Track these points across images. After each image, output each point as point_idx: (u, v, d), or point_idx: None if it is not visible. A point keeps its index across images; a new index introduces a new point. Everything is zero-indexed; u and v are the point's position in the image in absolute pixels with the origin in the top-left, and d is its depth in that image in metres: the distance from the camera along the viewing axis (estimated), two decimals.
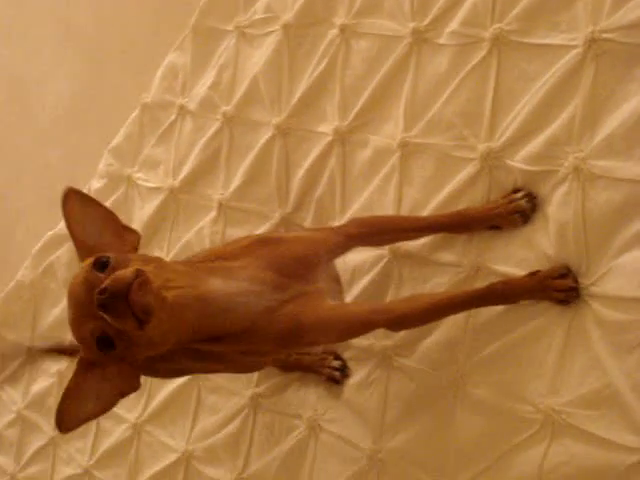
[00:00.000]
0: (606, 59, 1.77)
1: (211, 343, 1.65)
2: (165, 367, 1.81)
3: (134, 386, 1.58)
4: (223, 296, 1.58)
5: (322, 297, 1.76)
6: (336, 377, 2.22)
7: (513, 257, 1.88)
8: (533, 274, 1.79)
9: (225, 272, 1.63)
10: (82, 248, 1.61)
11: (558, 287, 1.76)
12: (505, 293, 1.81)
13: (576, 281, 1.75)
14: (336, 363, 2.22)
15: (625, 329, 1.67)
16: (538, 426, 1.76)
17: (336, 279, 1.99)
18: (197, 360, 1.75)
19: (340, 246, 1.89)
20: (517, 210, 1.85)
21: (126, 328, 1.39)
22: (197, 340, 1.64)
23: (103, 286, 1.36)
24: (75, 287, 1.49)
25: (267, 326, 1.66)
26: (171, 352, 1.59)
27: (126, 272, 1.39)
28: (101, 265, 1.45)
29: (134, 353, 1.50)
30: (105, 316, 1.37)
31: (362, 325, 1.83)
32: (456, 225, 1.93)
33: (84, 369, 1.54)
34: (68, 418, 1.55)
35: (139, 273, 1.38)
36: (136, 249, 1.63)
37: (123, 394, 1.57)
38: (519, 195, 1.86)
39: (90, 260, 1.49)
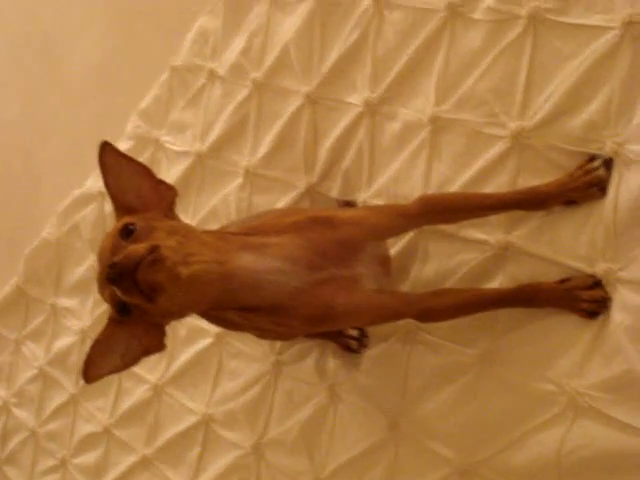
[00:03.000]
0: None
1: (241, 312, 1.68)
2: (214, 315, 1.81)
3: (159, 347, 1.61)
4: (250, 273, 1.57)
5: (358, 283, 1.75)
6: (353, 346, 2.23)
7: (543, 237, 1.87)
8: (563, 281, 1.78)
9: (258, 248, 1.62)
10: (118, 204, 1.62)
11: (588, 298, 1.74)
12: (533, 297, 1.82)
13: (606, 292, 1.73)
14: (354, 332, 2.23)
15: None
16: (561, 407, 1.77)
17: (383, 260, 1.94)
18: (240, 317, 1.74)
19: (396, 228, 1.88)
20: (595, 182, 1.76)
21: (135, 302, 1.43)
22: (224, 309, 1.67)
23: (114, 260, 1.38)
24: (102, 251, 1.52)
25: (295, 306, 1.66)
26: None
27: (139, 248, 1.40)
28: (127, 232, 1.47)
29: (149, 320, 1.52)
30: (114, 289, 1.40)
31: (392, 314, 1.86)
32: (529, 202, 1.83)
33: (113, 325, 1.58)
34: (93, 369, 1.59)
35: (153, 249, 1.40)
36: (172, 205, 1.63)
37: (148, 352, 1.61)
38: (596, 164, 1.77)
39: (119, 225, 1.50)
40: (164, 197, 1.62)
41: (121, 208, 1.60)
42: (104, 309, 2.97)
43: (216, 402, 2.61)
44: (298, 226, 1.70)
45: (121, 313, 1.48)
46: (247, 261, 1.58)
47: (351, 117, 2.28)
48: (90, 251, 3.14)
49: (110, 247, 1.48)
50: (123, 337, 1.57)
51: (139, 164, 1.63)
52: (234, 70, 2.64)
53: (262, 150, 2.53)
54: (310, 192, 2.39)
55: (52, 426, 3.26)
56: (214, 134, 2.69)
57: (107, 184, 1.62)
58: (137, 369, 2.86)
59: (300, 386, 2.37)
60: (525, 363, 1.85)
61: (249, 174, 2.55)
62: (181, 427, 2.71)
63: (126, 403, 2.94)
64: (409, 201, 1.86)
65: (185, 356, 2.72)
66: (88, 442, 3.09)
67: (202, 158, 2.71)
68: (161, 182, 1.64)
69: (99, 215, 3.12)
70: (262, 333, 2.02)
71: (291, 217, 1.74)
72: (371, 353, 2.19)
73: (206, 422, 2.62)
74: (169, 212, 1.61)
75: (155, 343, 1.60)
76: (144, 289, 1.38)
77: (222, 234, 1.68)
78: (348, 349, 2.25)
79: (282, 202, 2.43)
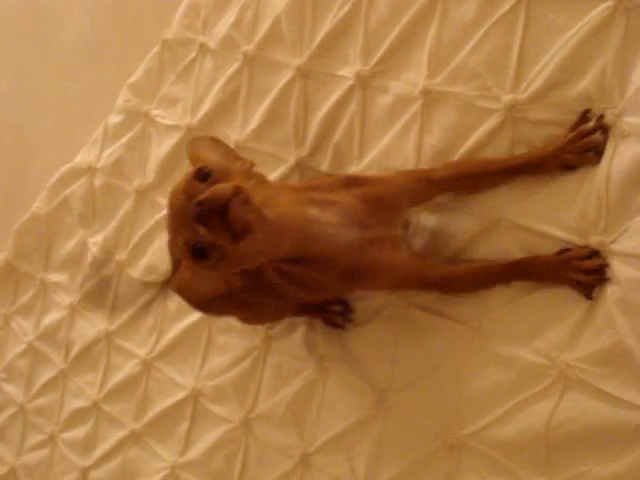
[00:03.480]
0: (637, 13, 1.73)
1: (289, 263, 1.70)
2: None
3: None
4: (317, 224, 1.62)
5: (398, 244, 1.83)
6: (338, 321, 2.24)
7: (534, 210, 1.86)
8: (561, 252, 1.78)
9: (321, 202, 1.66)
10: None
11: (586, 268, 1.73)
12: (531, 269, 1.82)
13: (604, 262, 1.72)
14: (338, 307, 2.23)
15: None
16: (551, 380, 1.76)
17: (406, 227, 1.98)
18: (251, 290, 1.77)
19: (420, 193, 1.92)
20: (591, 146, 1.75)
21: (219, 242, 1.42)
22: (281, 259, 1.69)
23: (201, 198, 1.38)
24: (175, 195, 1.51)
25: (343, 259, 1.71)
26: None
27: (226, 186, 1.41)
28: (203, 176, 1.48)
29: (225, 266, 1.52)
30: (200, 228, 1.39)
31: (420, 280, 1.91)
32: (528, 167, 1.84)
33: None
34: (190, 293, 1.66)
35: (238, 190, 1.40)
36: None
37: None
38: (591, 125, 1.76)
39: (193, 169, 1.50)
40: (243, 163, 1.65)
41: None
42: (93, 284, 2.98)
43: (205, 377, 2.60)
44: (343, 185, 1.76)
45: (197, 258, 1.47)
46: (314, 213, 1.63)
47: (342, 90, 2.27)
48: (80, 226, 3.12)
49: (185, 190, 1.48)
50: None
51: (226, 145, 1.72)
52: (225, 43, 2.63)
53: (252, 124, 2.51)
54: (300, 166, 2.38)
55: (41, 401, 3.25)
56: (205, 108, 2.68)
57: (191, 156, 1.69)
58: (126, 343, 2.87)
59: (289, 360, 2.36)
60: (515, 336, 1.85)
61: (239, 148, 2.52)
62: (170, 402, 2.70)
63: (115, 378, 2.93)
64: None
65: (174, 331, 2.72)
66: (77, 417, 3.08)
67: (192, 132, 2.70)
68: (244, 159, 1.66)
69: (89, 189, 3.10)
70: (256, 314, 2.13)
71: (330, 178, 1.85)
72: (361, 327, 2.18)
73: (195, 397, 2.62)
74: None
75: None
76: (235, 227, 1.39)
77: (290, 185, 1.74)
78: (333, 324, 2.25)
79: (272, 176, 2.40)
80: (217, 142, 1.70)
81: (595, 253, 1.74)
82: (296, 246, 1.62)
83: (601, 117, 1.76)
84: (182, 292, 1.66)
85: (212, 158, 1.64)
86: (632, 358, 1.63)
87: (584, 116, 1.78)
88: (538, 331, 1.81)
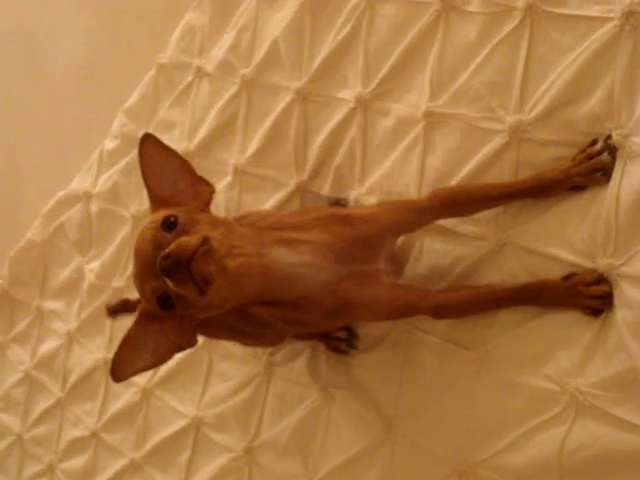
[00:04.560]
0: None
1: (263, 306, 1.69)
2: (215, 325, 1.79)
3: (191, 342, 1.62)
4: (285, 266, 1.61)
5: (379, 277, 1.79)
6: (342, 347, 2.21)
7: (541, 232, 1.83)
8: (567, 278, 1.76)
9: (290, 242, 1.64)
10: (154, 197, 1.63)
11: (592, 293, 1.71)
12: (538, 295, 1.80)
13: (612, 288, 1.70)
14: (342, 334, 2.20)
15: None
16: (562, 406, 1.73)
17: (395, 258, 1.96)
18: (242, 321, 1.78)
19: (410, 224, 1.89)
20: (599, 167, 1.73)
21: (186, 294, 1.42)
22: (252, 304, 1.68)
23: (167, 252, 1.38)
24: (141, 244, 1.50)
25: (321, 299, 1.69)
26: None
27: (191, 239, 1.41)
28: (169, 225, 1.47)
29: (192, 314, 1.52)
30: (167, 280, 1.39)
31: (407, 309, 1.87)
32: (535, 189, 1.80)
33: (144, 320, 1.58)
34: (123, 367, 1.58)
35: (204, 241, 1.40)
36: (209, 201, 1.63)
37: (180, 348, 1.61)
38: (598, 147, 1.74)
39: (159, 218, 1.49)
40: (201, 193, 1.63)
41: (157, 201, 1.62)
42: (91, 311, 2.94)
43: (206, 405, 2.57)
44: (320, 222, 1.73)
45: (164, 307, 1.47)
46: (282, 255, 1.61)
47: (343, 113, 2.24)
48: (76, 252, 3.10)
49: (152, 239, 1.48)
50: (153, 333, 1.58)
51: (180, 158, 1.65)
52: (222, 67, 2.60)
53: (251, 148, 2.48)
54: (301, 190, 2.36)
55: (39, 430, 3.20)
56: (202, 132, 2.65)
57: (145, 175, 1.63)
58: None
59: (292, 387, 2.33)
60: (524, 361, 1.82)
61: (238, 172, 2.51)
62: (171, 430, 2.66)
63: (114, 406, 2.89)
64: (422, 196, 1.89)
65: (174, 358, 2.65)
66: (75, 446, 3.04)
67: (190, 156, 2.64)
68: (200, 178, 1.66)
69: (85, 216, 3.07)
70: (254, 340, 2.09)
71: (310, 213, 1.78)
72: (366, 353, 2.15)
73: (196, 425, 2.58)
74: (205, 207, 1.62)
75: (187, 338, 1.61)
76: (197, 280, 1.39)
77: (256, 228, 1.69)
78: (337, 350, 2.22)
79: (272, 201, 2.40)
80: (167, 152, 1.64)
81: (602, 279, 1.71)
82: (264, 290, 1.60)
83: (608, 138, 1.73)
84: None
85: (165, 177, 1.62)
86: None
87: (594, 141, 1.76)
88: (547, 356, 1.78)
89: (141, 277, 1.51)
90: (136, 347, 1.58)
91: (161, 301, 1.47)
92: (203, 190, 1.64)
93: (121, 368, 1.57)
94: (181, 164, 1.64)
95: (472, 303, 1.87)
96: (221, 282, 1.43)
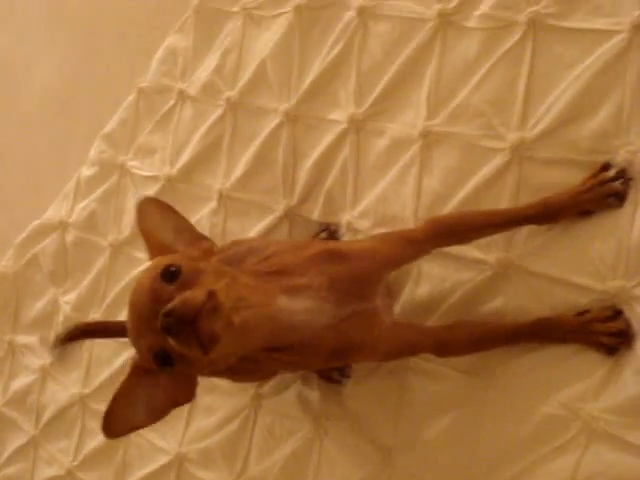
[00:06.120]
0: None
1: (264, 352, 1.59)
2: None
3: (189, 397, 1.51)
4: (290, 315, 1.51)
5: (378, 316, 1.70)
6: (334, 376, 2.12)
7: (547, 254, 1.77)
8: (581, 314, 1.69)
9: (293, 289, 1.54)
10: (151, 243, 1.54)
11: (609, 331, 1.64)
12: (549, 332, 1.73)
13: (628, 324, 1.63)
14: None
15: None
16: (574, 433, 1.66)
17: (389, 292, 1.89)
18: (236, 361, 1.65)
19: (407, 257, 1.80)
20: (611, 193, 1.67)
21: (190, 353, 1.31)
22: (257, 351, 1.58)
23: (170, 307, 1.27)
24: (139, 295, 1.38)
25: (322, 342, 1.61)
26: None
27: (197, 295, 1.29)
28: (170, 275, 1.35)
29: (194, 372, 1.46)
30: (169, 339, 1.28)
31: (409, 348, 1.81)
32: (541, 215, 1.73)
33: (137, 374, 1.47)
34: (116, 424, 1.48)
35: (210, 296, 1.29)
36: (210, 255, 1.53)
37: (177, 404, 1.50)
38: (611, 173, 1.67)
39: (158, 266, 1.38)
40: (201, 248, 1.54)
41: (154, 248, 1.53)
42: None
43: (190, 440, 2.47)
44: (315, 262, 1.63)
45: (161, 364, 1.36)
46: (286, 304, 1.51)
47: (334, 135, 2.19)
48: (51, 284, 3.00)
49: (150, 290, 1.36)
50: (148, 388, 1.47)
51: (180, 217, 1.57)
52: (206, 89, 2.55)
53: (237, 172, 2.43)
54: (289, 215, 2.29)
55: (10, 470, 3.08)
56: (185, 157, 2.59)
57: (145, 239, 1.55)
58: (102, 407, 2.70)
59: (282, 420, 2.24)
60: (533, 389, 1.75)
61: (223, 198, 2.45)
62: (152, 467, 2.55)
63: (91, 444, 2.78)
64: (417, 225, 1.83)
65: None
66: None
67: (172, 182, 2.61)
68: (200, 236, 1.58)
69: (60, 246, 2.99)
70: (246, 377, 2.01)
71: (304, 252, 1.67)
72: (360, 382, 2.07)
73: (179, 461, 2.47)
74: (206, 255, 1.53)
75: (184, 393, 1.50)
76: (203, 340, 1.28)
77: (257, 275, 1.58)
78: (330, 380, 2.14)
79: (259, 226, 2.34)
80: (166, 211, 1.57)
81: (618, 314, 1.64)
82: (269, 341, 1.52)
83: (623, 170, 1.67)
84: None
85: (164, 234, 1.54)
86: None
87: (604, 166, 1.70)
88: (559, 383, 1.71)
89: (137, 331, 1.38)
90: (129, 402, 1.47)
91: (159, 359, 1.36)
92: (203, 245, 1.55)
93: (114, 425, 1.48)
94: (181, 224, 1.56)
95: (478, 340, 1.79)
96: (227, 339, 1.32)
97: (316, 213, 2.23)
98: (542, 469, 1.70)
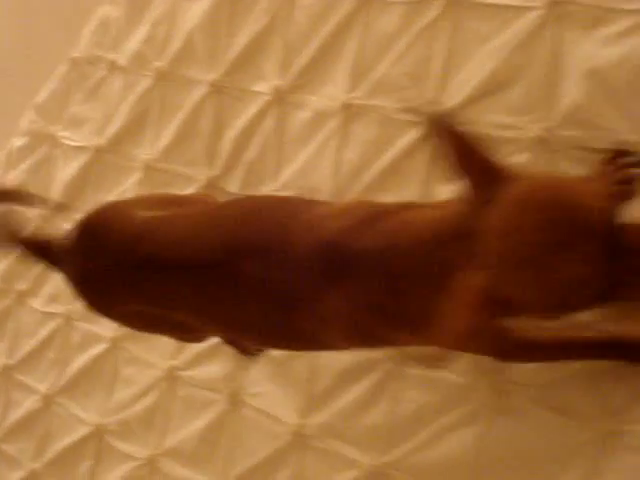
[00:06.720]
0: (568, 22, 1.68)
1: None
2: None
3: None
4: None
5: None
6: (250, 350, 2.11)
7: None
8: None
9: None
10: None
11: None
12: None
13: None
14: None
15: None
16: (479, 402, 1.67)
17: None
18: None
19: None
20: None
21: None
22: None
23: None
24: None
25: None
26: None
27: None
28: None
29: None
30: None
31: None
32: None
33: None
34: None
35: None
36: None
37: None
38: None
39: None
40: None
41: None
42: None
43: (110, 411, 2.46)
44: None
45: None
46: None
47: (258, 106, 2.20)
48: None
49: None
50: None
51: None
52: (136, 60, 2.55)
53: (163, 143, 2.43)
54: (211, 186, 2.29)
55: None
56: (114, 127, 2.59)
57: None
58: (26, 378, 2.72)
59: (199, 392, 2.24)
60: None
61: (149, 168, 2.45)
62: (73, 439, 2.55)
63: (14, 415, 2.77)
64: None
65: (78, 363, 2.57)
66: None
67: (101, 153, 2.60)
68: None
69: None
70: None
71: None
72: (275, 354, 2.07)
73: (99, 433, 2.47)
74: None
75: None
76: None
77: None
78: (245, 352, 2.13)
79: None
80: None
81: None
82: None
83: None
84: None
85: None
86: None
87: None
88: None
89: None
90: None
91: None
92: None
93: None
94: None
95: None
96: None
97: (237, 185, 2.23)
98: (447, 437, 1.72)
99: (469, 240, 1.17)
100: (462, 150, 1.20)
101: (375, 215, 1.39)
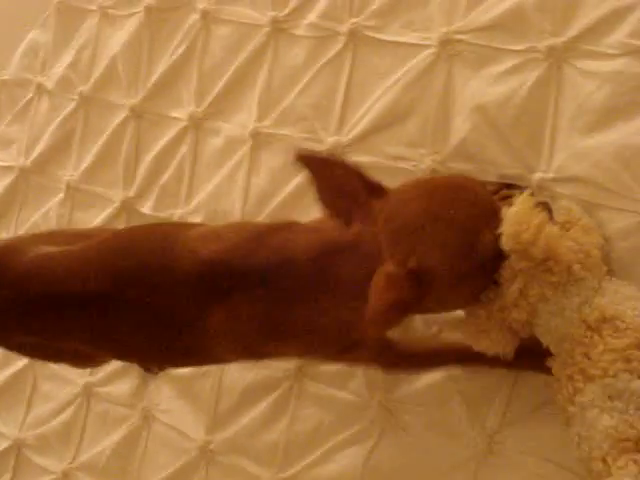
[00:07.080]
0: (459, 60, 1.76)
1: None
2: None
3: None
4: None
5: None
6: (152, 368, 2.18)
7: None
8: None
9: None
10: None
11: None
12: None
13: None
14: None
15: None
16: (369, 420, 1.75)
17: None
18: None
19: None
20: None
21: None
22: None
23: None
24: None
25: None
26: None
27: None
28: None
29: None
30: None
31: None
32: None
33: None
34: None
35: None
36: None
37: None
38: None
39: None
40: None
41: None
42: None
43: (29, 426, 2.49)
44: None
45: None
46: None
47: (175, 131, 2.27)
48: None
49: None
50: None
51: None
52: (62, 84, 2.61)
53: (84, 165, 2.48)
54: (126, 208, 2.35)
55: None
56: (39, 149, 2.64)
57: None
58: None
59: (114, 408, 2.28)
60: (333, 377, 1.82)
61: (70, 189, 2.49)
62: None
63: None
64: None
65: None
66: None
67: (26, 173, 2.64)
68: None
69: None
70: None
71: None
72: (183, 372, 2.12)
73: (18, 447, 2.49)
74: None
75: None
76: None
77: None
78: (148, 370, 2.20)
79: (100, 218, 2.39)
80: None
81: None
82: None
83: None
84: None
85: None
86: None
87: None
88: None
89: None
90: None
91: None
92: None
93: None
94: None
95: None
96: None
97: (150, 206, 2.30)
98: (340, 453, 1.78)
99: (353, 250, 1.34)
100: (327, 181, 1.31)
101: (259, 234, 1.51)
